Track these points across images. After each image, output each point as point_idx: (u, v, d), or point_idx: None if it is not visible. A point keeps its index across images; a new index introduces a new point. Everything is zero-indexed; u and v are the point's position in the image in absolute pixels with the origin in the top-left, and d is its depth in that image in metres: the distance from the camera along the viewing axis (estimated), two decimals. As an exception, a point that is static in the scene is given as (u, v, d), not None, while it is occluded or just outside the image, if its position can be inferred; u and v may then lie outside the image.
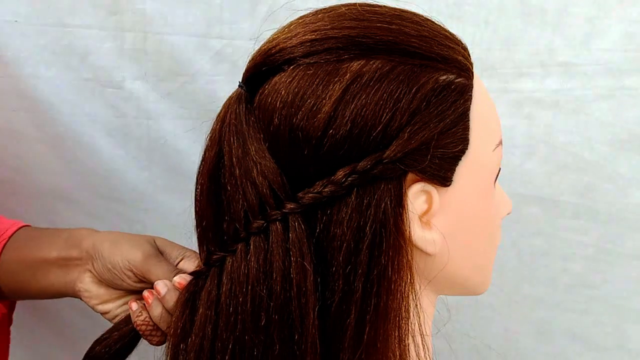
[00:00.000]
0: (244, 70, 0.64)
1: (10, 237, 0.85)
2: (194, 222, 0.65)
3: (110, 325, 0.77)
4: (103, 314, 0.79)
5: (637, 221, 1.09)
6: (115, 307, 0.78)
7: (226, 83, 1.11)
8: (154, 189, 1.20)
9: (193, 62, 1.12)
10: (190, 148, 1.15)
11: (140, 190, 1.20)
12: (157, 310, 0.71)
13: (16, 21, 1.10)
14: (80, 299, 0.79)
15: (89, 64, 1.13)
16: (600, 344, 1.14)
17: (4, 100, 1.14)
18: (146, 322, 0.72)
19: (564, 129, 1.08)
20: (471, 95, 0.62)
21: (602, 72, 1.06)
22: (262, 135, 0.61)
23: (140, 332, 0.73)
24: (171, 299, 0.69)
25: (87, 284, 0.78)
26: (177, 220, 1.21)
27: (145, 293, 0.73)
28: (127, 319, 0.75)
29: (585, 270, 1.12)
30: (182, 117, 1.15)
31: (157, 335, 0.72)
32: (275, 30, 0.64)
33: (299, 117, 0.59)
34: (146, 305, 0.72)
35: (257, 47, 0.64)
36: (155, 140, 1.16)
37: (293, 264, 0.58)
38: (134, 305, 0.73)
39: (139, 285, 0.76)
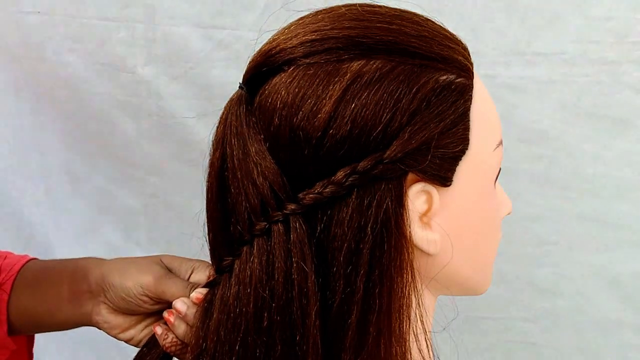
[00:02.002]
0: (244, 71, 0.63)
1: (18, 272, 0.82)
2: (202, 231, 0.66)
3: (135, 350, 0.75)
4: (127, 341, 0.77)
5: (591, 187, 1.24)
6: (137, 332, 0.76)
7: (227, 68, 1.24)
8: (164, 158, 1.31)
9: (197, 50, 1.24)
10: (195, 123, 1.26)
11: (152, 159, 1.31)
12: (181, 329, 0.69)
13: (39, 12, 1.23)
14: (100, 329, 0.78)
15: (105, 51, 1.25)
16: (556, 292, 1.26)
17: (30, 83, 1.27)
18: (174, 343, 0.70)
19: (527, 109, 1.21)
20: (471, 95, 0.61)
21: (562, 60, 1.20)
22: (262, 136, 0.60)
23: (171, 353, 0.71)
24: (192, 315, 0.67)
25: (104, 315, 0.76)
26: (185, 186, 1.33)
27: (165, 314, 0.71)
28: (151, 343, 0.73)
29: (545, 230, 1.25)
30: (188, 98, 1.27)
31: (187, 352, 0.69)
32: (276, 30, 0.64)
33: (299, 117, 0.58)
34: (169, 325, 0.70)
35: (256, 46, 0.64)
36: (165, 117, 1.28)
37: (294, 264, 0.58)
38: (159, 329, 0.71)
39: (156, 307, 0.74)
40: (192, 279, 0.74)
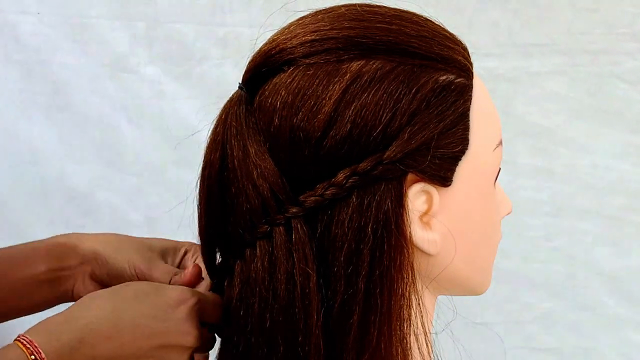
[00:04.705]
0: (243, 71, 0.63)
1: None
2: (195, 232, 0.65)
3: None
4: None
5: (587, 180, 1.25)
6: None
7: (228, 66, 1.24)
8: (166, 162, 1.30)
9: (199, 48, 1.25)
10: (199, 124, 1.26)
11: (154, 164, 1.30)
12: None
13: (38, 13, 1.24)
14: None
15: (106, 51, 1.27)
16: (554, 289, 1.27)
17: (31, 85, 1.27)
18: None
19: (522, 100, 1.23)
20: (471, 96, 0.61)
21: (555, 51, 1.22)
22: (262, 137, 0.60)
23: None
24: None
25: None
26: (188, 192, 1.35)
27: None
28: None
29: (543, 224, 1.26)
30: (190, 97, 1.28)
31: None
32: (276, 29, 0.63)
33: (299, 117, 0.58)
34: None
35: (256, 45, 0.64)
36: (167, 118, 1.28)
37: (297, 266, 0.58)
38: None
39: None
40: (186, 261, 0.74)
